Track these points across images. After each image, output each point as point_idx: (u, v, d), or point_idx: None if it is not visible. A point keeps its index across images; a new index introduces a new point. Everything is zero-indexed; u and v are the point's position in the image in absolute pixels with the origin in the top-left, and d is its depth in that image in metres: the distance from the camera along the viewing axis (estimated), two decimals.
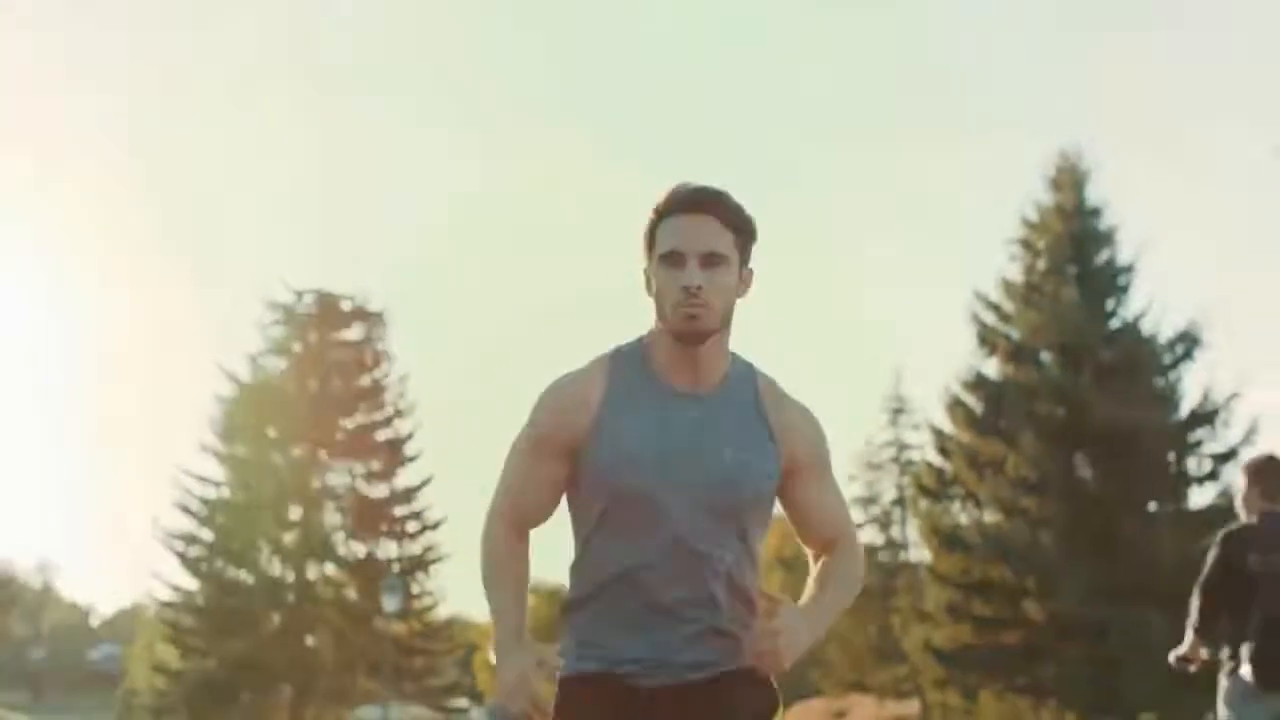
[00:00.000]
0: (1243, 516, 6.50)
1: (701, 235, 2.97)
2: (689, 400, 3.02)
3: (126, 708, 53.35)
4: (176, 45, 77.03)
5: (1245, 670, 6.12)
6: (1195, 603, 6.36)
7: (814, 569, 3.19)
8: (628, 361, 3.08)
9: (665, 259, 2.98)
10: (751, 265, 3.07)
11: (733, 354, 3.09)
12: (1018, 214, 30.99)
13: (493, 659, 3.01)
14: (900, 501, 40.25)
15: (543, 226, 79.20)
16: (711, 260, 2.96)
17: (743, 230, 3.02)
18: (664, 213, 3.02)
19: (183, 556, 36.32)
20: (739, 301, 3.05)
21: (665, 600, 2.99)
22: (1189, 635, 6.39)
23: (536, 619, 69.40)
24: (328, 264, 76.84)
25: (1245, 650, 6.15)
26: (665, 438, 2.99)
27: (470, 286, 78.13)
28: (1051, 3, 75.08)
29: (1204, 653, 6.30)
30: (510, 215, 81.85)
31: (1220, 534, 6.50)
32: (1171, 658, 6.59)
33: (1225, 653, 6.29)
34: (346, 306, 37.91)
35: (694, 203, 2.99)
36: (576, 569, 3.10)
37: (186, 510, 36.29)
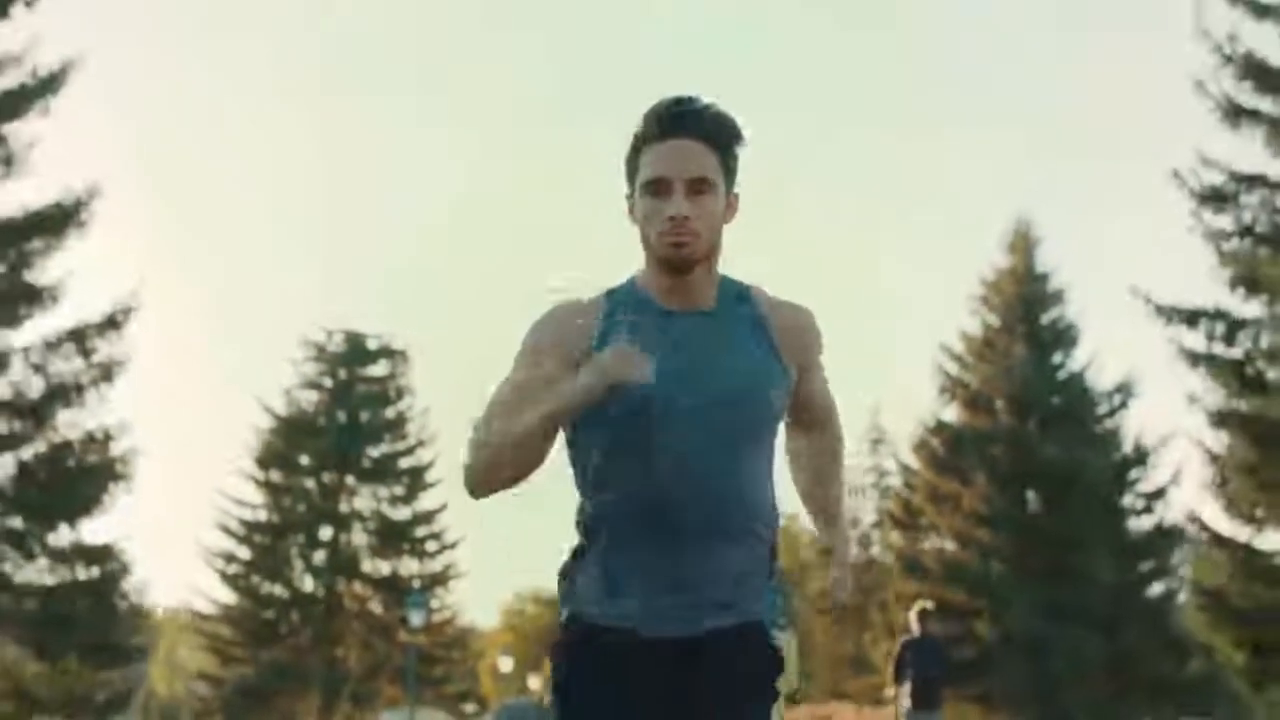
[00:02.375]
0: (914, 631, 13.55)
1: (687, 161, 2.96)
2: (687, 316, 3.04)
3: (146, 710, 58.46)
4: (178, 49, 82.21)
5: (907, 701, 12.47)
6: (891, 670, 12.95)
7: (792, 442, 3.37)
8: (622, 293, 3.10)
9: (649, 186, 2.98)
10: (738, 190, 3.06)
11: (724, 275, 3.11)
12: (977, 274, 36.66)
13: (580, 385, 2.88)
14: (880, 524, 45.91)
15: (553, 236, 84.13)
16: (697, 187, 2.96)
17: (728, 148, 3.02)
18: (646, 137, 3.01)
19: (222, 573, 41.62)
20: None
21: (678, 527, 2.95)
22: (891, 686, 12.76)
23: (536, 627, 74.45)
24: (332, 277, 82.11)
25: (907, 689, 12.50)
26: (669, 351, 2.98)
27: (483, 317, 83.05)
28: (1050, 7, 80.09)
29: (899, 693, 12.68)
30: (517, 232, 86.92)
31: (900, 641, 13.59)
32: (886, 694, 13.72)
33: (903, 691, 12.64)
34: (373, 345, 43.29)
35: (677, 125, 2.98)
36: (582, 507, 3.08)
37: (226, 530, 41.57)
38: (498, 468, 2.92)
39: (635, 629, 3.00)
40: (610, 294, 3.10)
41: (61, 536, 21.74)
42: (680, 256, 2.97)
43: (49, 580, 21.75)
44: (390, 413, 43.00)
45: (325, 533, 41.89)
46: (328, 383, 42.89)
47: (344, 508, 42.17)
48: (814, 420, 3.30)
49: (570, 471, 3.12)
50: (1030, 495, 34.82)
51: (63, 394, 21.49)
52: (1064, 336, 35.80)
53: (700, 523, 2.96)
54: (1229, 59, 20.12)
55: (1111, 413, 35.31)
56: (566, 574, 3.10)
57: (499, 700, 53.60)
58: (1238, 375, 20.48)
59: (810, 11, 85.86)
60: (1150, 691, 32.72)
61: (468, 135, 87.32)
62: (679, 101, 3.01)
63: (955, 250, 66.21)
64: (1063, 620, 32.68)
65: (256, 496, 41.78)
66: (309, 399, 42.80)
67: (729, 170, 3.04)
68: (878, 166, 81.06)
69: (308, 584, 41.61)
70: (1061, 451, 33.92)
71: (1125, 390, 35.10)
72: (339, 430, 42.13)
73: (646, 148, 3.00)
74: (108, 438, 21.60)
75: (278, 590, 41.54)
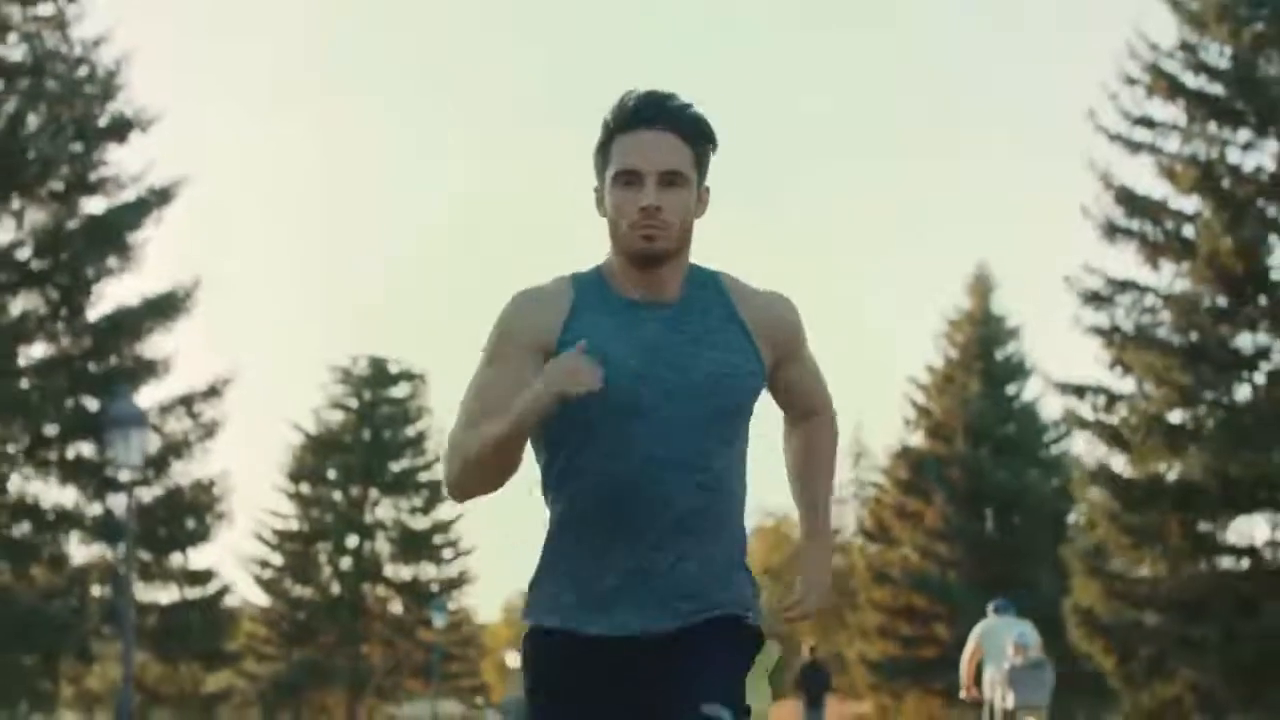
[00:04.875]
0: (807, 658, 21.47)
1: (659, 152, 3.03)
2: (656, 308, 3.11)
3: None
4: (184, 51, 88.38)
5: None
6: (795, 683, 19.89)
7: (789, 435, 3.38)
8: (588, 280, 3.16)
9: (620, 177, 3.04)
10: (708, 184, 3.13)
11: (692, 264, 3.17)
12: (942, 314, 43.49)
13: (530, 402, 2.96)
14: (858, 534, 52.77)
15: (558, 241, 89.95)
16: (670, 179, 3.03)
17: (702, 144, 3.10)
18: (617, 127, 3.08)
19: (257, 578, 48.01)
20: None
21: (653, 516, 3.04)
22: (794, 695, 19.95)
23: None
24: (352, 305, 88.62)
25: (805, 697, 19.69)
26: (641, 343, 3.07)
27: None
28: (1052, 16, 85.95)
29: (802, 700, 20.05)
30: (521, 239, 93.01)
31: (801, 665, 20.62)
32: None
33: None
34: (394, 369, 49.76)
35: (651, 117, 3.05)
36: (550, 493, 3.17)
37: (261, 539, 47.94)
38: (469, 480, 3.08)
39: (603, 634, 3.07)
40: (576, 281, 3.16)
41: (175, 562, 28.70)
42: (651, 250, 3.04)
43: (166, 599, 28.73)
44: (411, 431, 49.10)
45: (351, 541, 47.94)
46: (353, 404, 48.88)
47: (368, 518, 48.22)
48: (801, 410, 3.34)
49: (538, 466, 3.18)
50: (982, 513, 41.63)
51: (175, 449, 28.34)
52: (1016, 372, 42.61)
53: (673, 516, 3.05)
54: (1109, 186, 26.84)
55: (1058, 440, 42.11)
56: (535, 584, 3.18)
57: (508, 692, 60.13)
58: (1115, 439, 27.23)
59: (815, 16, 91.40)
60: (1088, 682, 39.49)
61: (474, 142, 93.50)
62: (652, 94, 3.08)
63: (944, 276, 72.62)
64: None
65: (288, 508, 47.80)
66: (336, 419, 48.83)
67: (701, 165, 3.10)
68: (877, 184, 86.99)
69: (335, 588, 47.67)
70: (1012, 475, 40.77)
71: (1070, 420, 41.81)
72: (364, 447, 48.11)
73: (618, 138, 3.07)
74: (211, 484, 28.47)
75: (308, 593, 47.58)
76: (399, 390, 49.72)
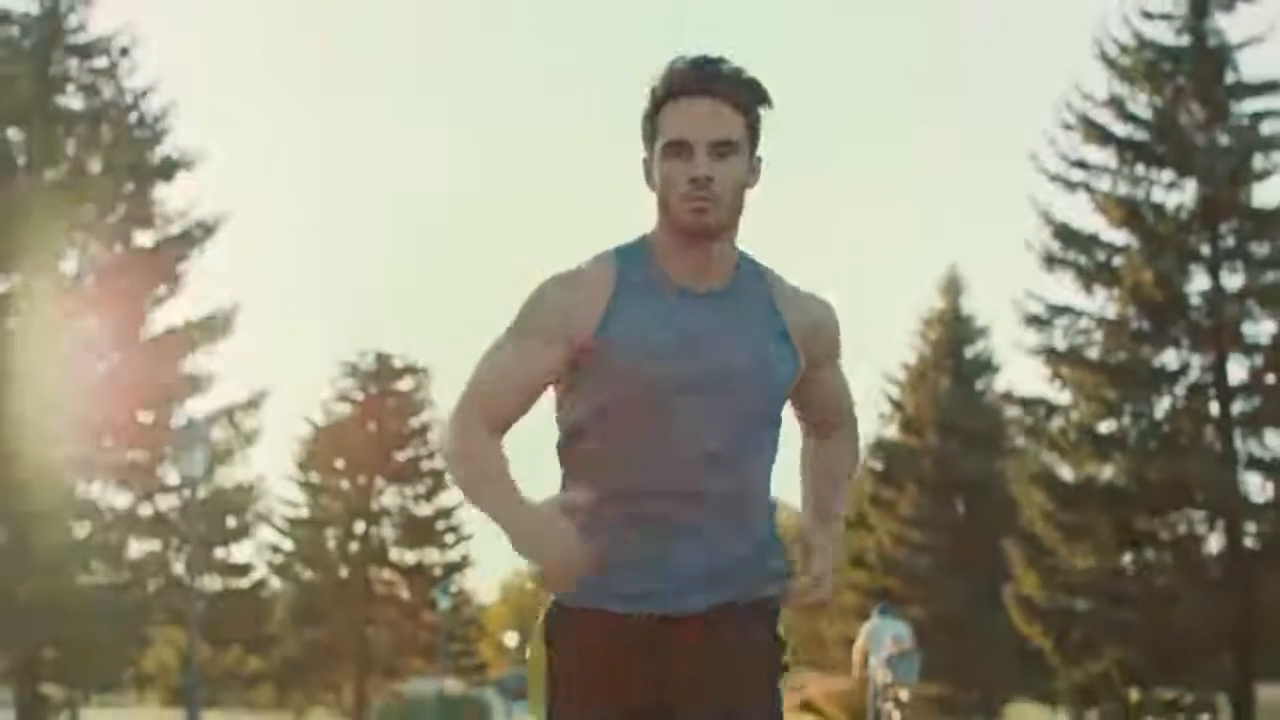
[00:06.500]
0: None
1: (711, 121, 3.06)
2: (701, 298, 3.15)
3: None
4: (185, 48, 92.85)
5: None
6: None
7: (807, 448, 3.48)
8: (633, 258, 3.18)
9: (670, 148, 3.07)
10: (760, 154, 3.16)
11: (743, 253, 3.23)
12: (916, 313, 48.14)
13: (522, 552, 3.06)
14: None
15: (558, 234, 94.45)
16: (721, 149, 3.06)
17: (754, 111, 3.13)
18: (666, 95, 3.10)
19: (270, 562, 52.15)
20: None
21: (682, 507, 3.11)
22: None
23: (534, 602, 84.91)
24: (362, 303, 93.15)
25: None
26: (684, 332, 3.11)
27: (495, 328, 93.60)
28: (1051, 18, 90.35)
29: None
30: (522, 234, 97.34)
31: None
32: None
33: None
34: (399, 364, 54.05)
35: (700, 84, 3.07)
36: (573, 466, 3.22)
37: (272, 525, 52.12)
38: (456, 482, 3.18)
39: (627, 611, 3.13)
40: (620, 264, 3.17)
41: (218, 556, 33.49)
42: (703, 224, 3.07)
43: (211, 589, 33.50)
44: (414, 422, 53.03)
45: (358, 527, 51.56)
46: (360, 396, 53.04)
47: (374, 505, 51.98)
48: (829, 423, 3.45)
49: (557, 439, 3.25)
50: (952, 502, 46.35)
51: (218, 456, 32.95)
52: (985, 368, 47.29)
53: (704, 506, 3.12)
54: (1048, 222, 31.42)
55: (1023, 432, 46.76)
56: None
57: (511, 669, 64.49)
58: (1053, 445, 31.88)
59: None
60: (1030, 659, 44.07)
61: (474, 141, 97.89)
62: (701, 59, 3.08)
63: (922, 275, 76.97)
64: (979, 606, 44.03)
65: (298, 496, 51.96)
66: (344, 411, 53.03)
67: (753, 133, 3.14)
68: (865, 185, 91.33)
69: (343, 571, 51.30)
70: (980, 466, 45.42)
71: (1018, 426, 46.42)
72: (370, 438, 52.04)
73: (666, 107, 3.09)
74: (251, 487, 33.21)
75: (318, 577, 51.54)
76: (403, 384, 53.63)
